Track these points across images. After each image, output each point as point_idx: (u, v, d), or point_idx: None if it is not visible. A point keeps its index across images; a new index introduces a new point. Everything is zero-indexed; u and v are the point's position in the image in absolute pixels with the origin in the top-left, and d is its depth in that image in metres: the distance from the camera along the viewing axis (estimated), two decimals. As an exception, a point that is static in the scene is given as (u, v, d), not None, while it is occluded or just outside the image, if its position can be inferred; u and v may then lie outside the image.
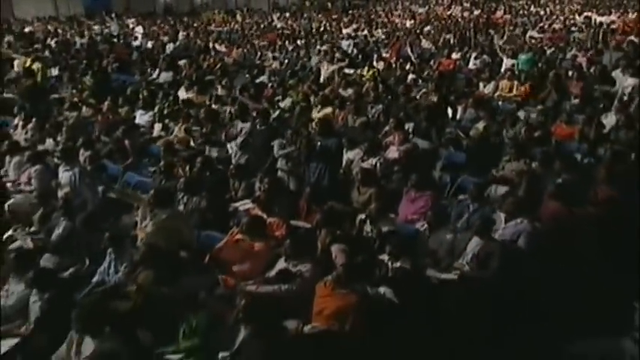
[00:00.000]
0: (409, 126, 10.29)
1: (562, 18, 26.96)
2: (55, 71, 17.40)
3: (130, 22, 33.54)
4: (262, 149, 9.66)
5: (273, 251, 6.49)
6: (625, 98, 11.98)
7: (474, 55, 17.98)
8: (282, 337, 5.26)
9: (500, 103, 13.10)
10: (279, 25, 31.19)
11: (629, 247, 6.75)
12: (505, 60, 16.37)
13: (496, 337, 5.92)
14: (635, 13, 25.72)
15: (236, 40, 25.14)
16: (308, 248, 6.40)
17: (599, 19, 25.22)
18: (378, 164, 8.75)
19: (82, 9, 39.74)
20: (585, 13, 27.12)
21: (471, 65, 17.17)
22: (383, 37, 24.33)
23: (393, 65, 17.48)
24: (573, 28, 23.16)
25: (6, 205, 8.01)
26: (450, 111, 12.30)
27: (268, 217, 7.06)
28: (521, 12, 30.71)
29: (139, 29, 29.15)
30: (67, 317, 5.07)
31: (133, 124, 11.55)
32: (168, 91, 14.19)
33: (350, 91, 13.59)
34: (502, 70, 15.54)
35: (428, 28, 26.25)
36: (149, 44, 24.21)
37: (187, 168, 8.92)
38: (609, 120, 10.44)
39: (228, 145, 9.89)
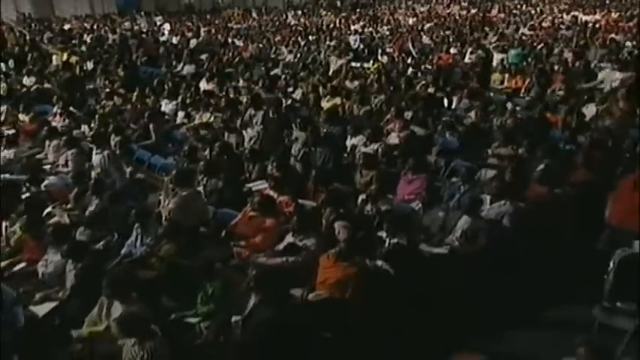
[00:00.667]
0: (408, 114, 10.26)
1: (551, 17, 26.66)
2: (90, 64, 17.41)
3: (158, 19, 33.43)
4: (275, 135, 9.70)
5: (282, 227, 6.48)
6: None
7: (469, 50, 17.88)
8: (289, 303, 5.31)
9: (491, 94, 13.03)
10: (292, 23, 31.00)
11: (602, 224, 6.77)
12: (495, 55, 16.28)
13: (481, 305, 5.92)
14: (617, 13, 25.49)
15: (253, 36, 25.03)
16: (313, 224, 6.40)
17: (584, 18, 24.96)
18: (379, 149, 8.71)
19: (115, 8, 39.68)
20: (572, 13, 26.85)
21: (466, 60, 17.07)
22: (387, 33, 24.18)
23: (396, 59, 17.41)
24: (561, 26, 22.92)
25: (42, 186, 8.07)
26: (446, 101, 12.27)
27: (279, 196, 7.07)
28: (514, 11, 30.39)
29: (166, 26, 29.09)
30: (98, 284, 5.11)
31: (159, 112, 11.60)
32: (190, 82, 14.17)
33: (355, 82, 13.56)
34: (494, 64, 15.47)
35: (428, 25, 26.04)
36: (174, 40, 24.18)
37: (208, 152, 8.95)
38: (589, 110, 10.39)
39: (244, 132, 9.93)
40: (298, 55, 19.01)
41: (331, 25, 27.67)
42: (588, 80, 12.47)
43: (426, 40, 21.21)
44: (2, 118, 11.87)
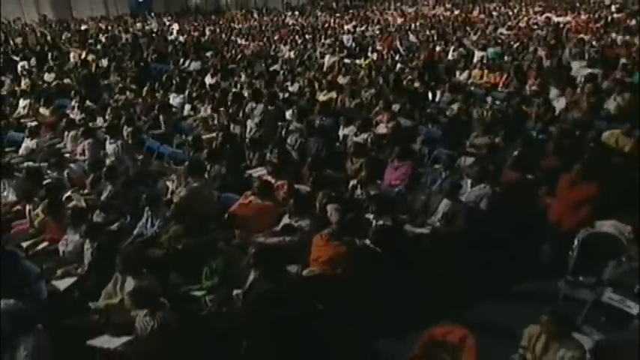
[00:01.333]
0: (396, 107, 10.26)
1: (526, 18, 26.49)
2: (104, 62, 17.32)
3: (167, 20, 33.23)
4: (273, 126, 9.69)
5: (279, 209, 6.48)
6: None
7: (452, 48, 17.81)
8: (285, 278, 5.33)
9: (472, 88, 13.02)
10: (290, 23, 30.77)
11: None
12: (476, 52, 16.23)
13: (460, 280, 5.97)
14: (586, 15, 25.43)
15: (254, 35, 24.88)
16: (308, 207, 6.39)
17: (556, 19, 24.83)
18: (368, 139, 8.73)
19: (127, 9, 39.36)
20: (546, 14, 26.66)
21: (449, 57, 17.02)
22: (377, 32, 24.00)
23: (385, 56, 17.30)
24: (535, 27, 22.81)
25: (61, 173, 8.09)
26: (430, 94, 12.26)
27: (276, 181, 7.06)
28: (493, 12, 30.20)
29: (175, 26, 28.88)
30: (113, 261, 5.16)
31: (168, 105, 11.58)
32: (196, 77, 14.09)
33: (347, 77, 13.53)
34: (474, 60, 15.42)
35: (415, 25, 25.90)
36: (181, 38, 24.05)
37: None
38: (559, 104, 10.40)
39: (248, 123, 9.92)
40: (296, 52, 18.90)
41: (326, 25, 27.47)
42: (560, 76, 12.43)
43: (412, 38, 21.05)
44: (25, 111, 11.87)
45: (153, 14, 36.65)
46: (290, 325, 4.99)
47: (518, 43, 18.02)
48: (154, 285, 4.92)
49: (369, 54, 17.85)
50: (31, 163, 8.52)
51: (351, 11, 36.39)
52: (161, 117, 10.48)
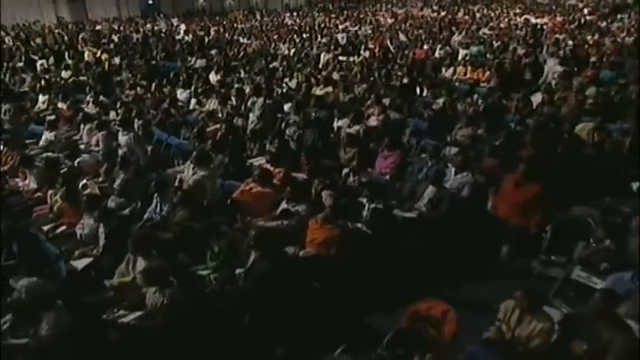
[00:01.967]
0: (386, 101, 10.25)
1: (507, 19, 26.41)
2: (117, 60, 17.24)
3: (175, 20, 32.99)
4: (272, 118, 9.68)
5: (277, 195, 6.49)
6: (553, 81, 11.97)
7: (438, 47, 17.76)
8: (283, 259, 5.35)
9: (457, 84, 13.01)
10: (289, 23, 30.62)
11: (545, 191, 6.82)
12: (460, 51, 16.20)
13: (443, 260, 6.00)
14: (562, 17, 25.37)
15: (255, 34, 24.75)
16: (304, 193, 6.42)
17: (535, 20, 24.75)
18: (360, 130, 8.75)
19: (138, 11, 39.13)
20: (525, 16, 26.59)
21: (436, 54, 16.97)
22: (369, 32, 23.91)
23: (377, 54, 17.27)
24: (515, 27, 22.75)
25: (77, 162, 8.08)
26: (418, 89, 12.25)
27: (275, 169, 7.07)
28: (477, 14, 30.06)
29: (182, 26, 28.69)
30: (125, 243, 5.17)
31: (175, 100, 11.56)
32: (202, 74, 14.02)
33: (341, 73, 13.49)
34: (459, 58, 15.40)
35: (404, 25, 25.78)
36: (188, 38, 23.88)
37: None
38: (536, 98, 10.40)
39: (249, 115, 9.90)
40: (294, 50, 18.83)
41: (322, 25, 27.34)
42: (535, 72, 12.44)
43: (402, 37, 20.99)
44: (45, 106, 11.83)
45: (162, 15, 36.41)
46: (288, 301, 5.02)
47: (499, 43, 17.97)
48: (163, 264, 4.92)
49: (362, 52, 17.79)
50: (50, 154, 8.49)
51: (345, 12, 36.17)
52: (173, 110, 10.48)
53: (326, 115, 9.54)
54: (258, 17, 35.21)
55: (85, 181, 7.35)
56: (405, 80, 12.54)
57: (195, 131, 9.00)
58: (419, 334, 4.31)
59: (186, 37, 23.97)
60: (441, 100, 10.70)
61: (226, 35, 24.80)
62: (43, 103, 11.93)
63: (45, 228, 6.24)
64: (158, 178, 6.84)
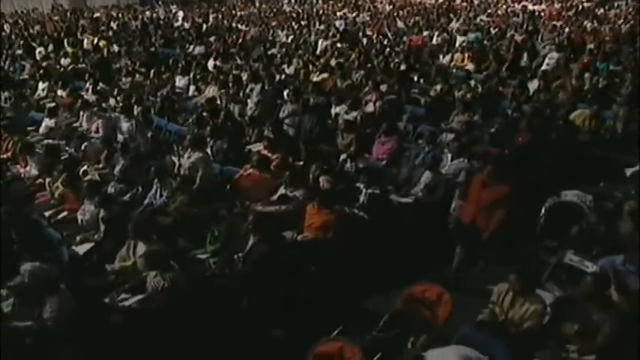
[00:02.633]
0: (383, 87, 10.24)
1: (505, 6, 26.23)
2: (116, 47, 17.16)
3: (173, 7, 32.71)
4: (270, 105, 9.68)
5: (275, 181, 6.51)
6: (548, 68, 11.96)
7: (436, 33, 17.68)
8: (281, 243, 5.40)
9: (454, 70, 12.98)
10: (287, 10, 30.41)
11: (539, 177, 6.86)
12: (458, 37, 16.13)
13: (439, 243, 5.97)
14: (559, 4, 25.23)
15: (254, 21, 24.59)
16: (302, 179, 6.43)
17: (532, 7, 24.62)
18: (358, 116, 8.75)
19: (137, -1, 38.95)
20: (522, 3, 26.39)
21: (434, 41, 16.91)
22: (367, 18, 23.75)
23: (374, 41, 17.20)
24: (513, 14, 22.63)
25: (77, 149, 8.09)
26: (415, 76, 12.21)
27: (273, 155, 7.07)
28: (475, 0, 29.84)
29: (180, 13, 28.43)
30: (126, 228, 5.19)
31: (174, 86, 11.52)
32: (200, 61, 13.99)
33: (339, 60, 13.46)
34: (456, 45, 15.35)
35: (402, 12, 25.62)
36: (187, 25, 23.74)
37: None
38: (533, 85, 10.40)
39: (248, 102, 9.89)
40: (292, 37, 18.74)
41: (320, 12, 27.17)
42: (532, 59, 12.41)
43: (400, 24, 20.88)
44: (44, 93, 11.80)
45: (160, 2, 36.07)
46: (286, 284, 5.08)
47: (496, 29, 17.89)
48: (164, 249, 4.96)
49: (360, 38, 17.70)
50: (50, 141, 8.50)
51: (343, -1, 35.90)
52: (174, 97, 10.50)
53: (324, 102, 9.53)
54: (256, 4, 34.91)
55: (85, 167, 7.36)
56: (403, 67, 12.52)
57: (194, 117, 8.98)
58: (414, 316, 4.37)
59: (184, 24, 23.80)
60: (437, 87, 10.66)
61: (225, 22, 24.62)
62: (43, 90, 11.89)
63: (47, 214, 6.26)
64: (158, 164, 6.86)
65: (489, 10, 24.38)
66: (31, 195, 6.91)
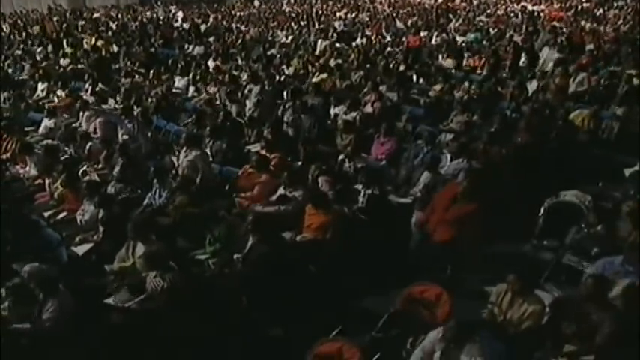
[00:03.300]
0: (383, 88, 10.23)
1: (504, 6, 26.25)
2: (115, 47, 17.17)
3: (173, 8, 32.72)
4: (270, 105, 9.67)
5: (275, 181, 6.48)
6: (547, 69, 11.97)
7: (435, 34, 17.69)
8: (280, 243, 5.39)
9: (452, 71, 12.98)
10: (287, 10, 30.41)
11: (538, 177, 6.85)
12: (457, 38, 16.13)
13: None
14: (558, 4, 25.25)
15: (253, 21, 24.59)
16: (301, 179, 6.42)
17: (531, 7, 24.64)
18: (357, 117, 8.75)
19: (136, -1, 38.95)
20: (521, 3, 26.43)
21: (433, 42, 16.91)
22: (367, 19, 23.76)
23: (374, 41, 17.20)
24: (512, 15, 22.65)
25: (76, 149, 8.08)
26: (414, 76, 12.21)
27: (271, 156, 7.05)
28: (474, 1, 29.84)
29: (180, 14, 28.45)
30: (125, 228, 5.19)
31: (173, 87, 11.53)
32: (200, 61, 13.99)
33: (338, 60, 13.46)
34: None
35: (401, 12, 25.62)
36: (186, 25, 23.72)
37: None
38: (532, 85, 10.41)
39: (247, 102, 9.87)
40: (291, 37, 18.72)
41: (320, 12, 27.16)
42: (532, 60, 12.42)
43: (399, 24, 20.88)
44: (44, 93, 11.80)
45: (159, 3, 36.07)
46: (285, 284, 5.06)
47: (496, 30, 17.90)
48: (163, 249, 4.95)
49: (359, 39, 17.69)
50: (49, 141, 8.49)
51: (342, -1, 35.92)
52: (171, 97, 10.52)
53: (322, 102, 9.53)
54: (256, 4, 34.91)
55: (84, 167, 7.37)
56: (402, 67, 12.52)
57: (193, 118, 8.98)
58: (413, 317, 4.38)
59: (184, 25, 23.79)
60: (437, 87, 10.66)
61: (224, 22, 24.62)
62: (42, 91, 11.89)
63: (46, 214, 6.27)
64: (157, 165, 6.85)
65: (488, 11, 24.40)
66: (30, 195, 6.92)
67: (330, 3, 32.76)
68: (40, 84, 12.14)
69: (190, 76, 12.13)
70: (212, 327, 4.88)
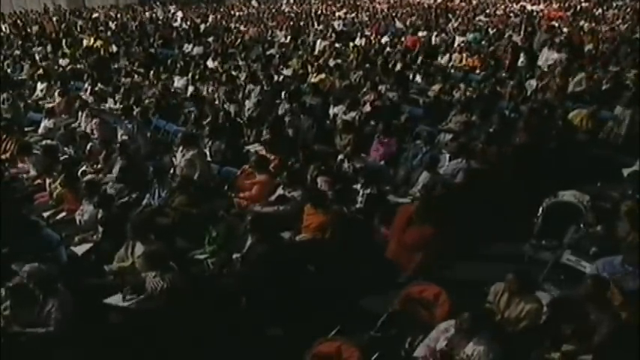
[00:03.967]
0: (382, 88, 10.24)
1: (503, 6, 26.27)
2: (114, 47, 17.16)
3: (172, 8, 32.71)
4: (269, 105, 9.67)
5: (274, 181, 6.50)
6: (546, 69, 11.97)
7: (434, 33, 17.69)
8: (279, 243, 5.40)
9: (452, 71, 13.00)
10: (286, 10, 30.41)
11: (537, 177, 6.86)
12: (456, 38, 16.14)
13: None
14: (557, 4, 25.27)
15: (252, 21, 24.59)
16: (300, 179, 6.42)
17: (530, 7, 24.66)
18: (356, 117, 8.75)
19: (136, -1, 38.93)
20: (521, 3, 26.48)
21: (432, 41, 16.88)
22: (366, 19, 23.77)
23: (373, 41, 17.19)
24: (511, 14, 22.65)
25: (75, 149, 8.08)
26: (415, 77, 12.19)
27: (271, 156, 7.06)
28: (473, 1, 29.85)
29: (179, 14, 28.46)
30: (124, 228, 5.19)
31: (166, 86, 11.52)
32: (199, 61, 13.98)
33: (337, 60, 13.46)
34: (455, 45, 15.35)
35: (401, 12, 25.62)
36: (185, 25, 23.72)
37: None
38: (531, 85, 10.42)
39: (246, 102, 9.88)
40: (290, 37, 18.69)
41: (319, 12, 27.16)
42: (531, 59, 12.43)
43: (398, 24, 20.89)
44: (43, 93, 11.79)
45: (159, 3, 36.07)
46: (284, 284, 5.07)
47: (495, 30, 17.91)
48: (163, 249, 4.96)
49: (358, 39, 17.69)
50: (49, 141, 8.48)
51: (341, -1, 35.90)
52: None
53: (321, 102, 9.53)
54: (255, 4, 34.90)
55: (83, 167, 7.39)
56: (399, 66, 12.52)
57: (192, 118, 8.98)
58: (412, 316, 4.39)
59: (183, 25, 23.79)
60: (436, 87, 10.66)
61: (223, 22, 24.62)
62: (42, 91, 11.88)
63: (46, 214, 6.28)
64: (157, 165, 6.85)
65: (487, 11, 24.41)
66: (29, 195, 6.92)
67: (329, 3, 32.73)
68: (39, 84, 12.13)
69: (189, 75, 12.11)
70: (211, 327, 4.87)
